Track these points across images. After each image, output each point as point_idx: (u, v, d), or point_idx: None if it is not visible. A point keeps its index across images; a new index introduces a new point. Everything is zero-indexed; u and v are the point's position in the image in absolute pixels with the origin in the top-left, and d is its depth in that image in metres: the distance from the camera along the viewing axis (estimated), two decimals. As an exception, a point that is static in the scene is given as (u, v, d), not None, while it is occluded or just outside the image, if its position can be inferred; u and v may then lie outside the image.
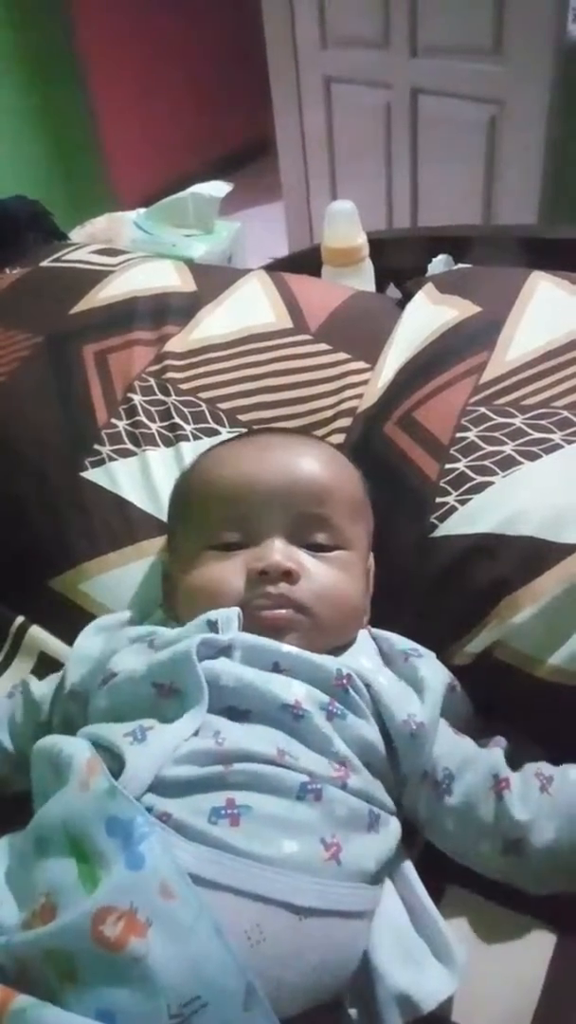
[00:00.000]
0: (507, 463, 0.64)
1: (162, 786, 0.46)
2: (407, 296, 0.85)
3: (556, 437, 0.65)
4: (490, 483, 0.64)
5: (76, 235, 1.21)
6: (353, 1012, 0.47)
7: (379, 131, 2.14)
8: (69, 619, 0.67)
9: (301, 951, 0.43)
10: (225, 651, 0.53)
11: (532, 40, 1.74)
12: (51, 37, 2.66)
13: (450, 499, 0.64)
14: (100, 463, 0.73)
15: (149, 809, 0.44)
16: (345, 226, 1.03)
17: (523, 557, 0.61)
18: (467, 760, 0.55)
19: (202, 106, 3.19)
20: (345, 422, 0.74)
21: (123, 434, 0.75)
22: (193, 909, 0.40)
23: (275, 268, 0.96)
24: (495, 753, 0.56)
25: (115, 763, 0.47)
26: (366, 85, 2.09)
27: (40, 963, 0.40)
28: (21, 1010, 0.38)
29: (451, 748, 0.55)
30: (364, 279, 1.04)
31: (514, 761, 0.55)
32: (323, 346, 0.79)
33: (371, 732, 0.53)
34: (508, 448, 0.65)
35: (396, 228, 2.09)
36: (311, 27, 2.11)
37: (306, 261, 1.06)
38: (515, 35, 1.76)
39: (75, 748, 0.48)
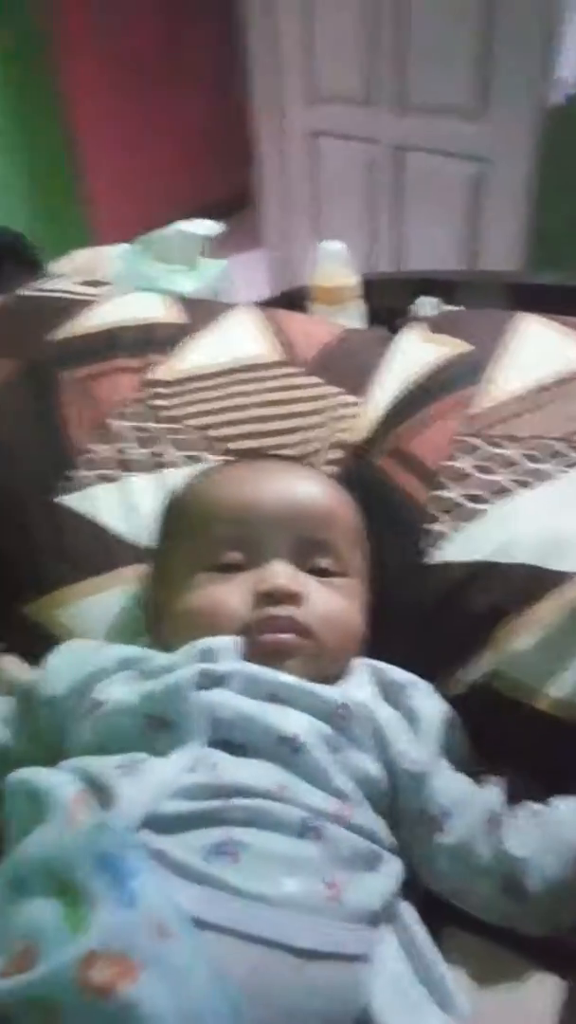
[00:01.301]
0: (500, 492, 0.64)
1: (156, 822, 0.43)
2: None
3: (549, 467, 0.64)
4: (483, 511, 0.63)
5: (59, 266, 1.20)
6: None
7: (363, 185, 2.20)
8: (44, 647, 0.63)
9: (302, 998, 0.40)
10: (220, 680, 0.51)
11: (516, 102, 1.80)
12: (35, 80, 2.67)
13: (443, 527, 0.64)
14: (79, 488, 0.71)
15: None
16: (336, 265, 1.04)
17: (520, 584, 0.59)
18: (464, 797, 0.52)
19: (184, 157, 3.25)
20: (336, 454, 0.74)
21: (104, 460, 0.73)
22: (189, 949, 0.38)
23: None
24: (492, 791, 0.53)
25: (103, 798, 0.44)
26: (352, 140, 2.15)
27: (20, 1014, 0.37)
28: None
29: (447, 784, 0.52)
30: (353, 319, 1.04)
31: (513, 800, 0.53)
32: (315, 379, 0.78)
33: (372, 766, 0.51)
34: (501, 477, 0.64)
35: (383, 271, 2.13)
36: (298, 84, 2.17)
37: (290, 302, 1.06)
38: (500, 97, 1.83)
39: (57, 781, 0.46)
